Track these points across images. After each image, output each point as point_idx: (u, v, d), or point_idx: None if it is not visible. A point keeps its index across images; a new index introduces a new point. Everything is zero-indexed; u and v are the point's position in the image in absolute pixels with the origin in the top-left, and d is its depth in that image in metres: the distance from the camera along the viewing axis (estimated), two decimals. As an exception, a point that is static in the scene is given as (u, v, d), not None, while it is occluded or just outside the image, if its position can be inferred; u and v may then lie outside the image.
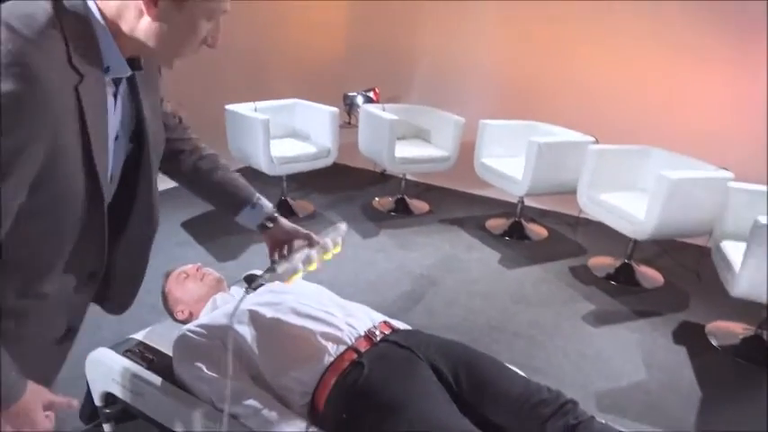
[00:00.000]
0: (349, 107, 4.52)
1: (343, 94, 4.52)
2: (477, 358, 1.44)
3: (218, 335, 1.44)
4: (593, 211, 3.20)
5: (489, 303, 2.81)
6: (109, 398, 1.58)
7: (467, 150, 3.79)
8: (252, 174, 3.12)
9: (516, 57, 4.10)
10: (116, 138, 0.96)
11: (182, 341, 1.45)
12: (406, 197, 4.10)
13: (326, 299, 1.63)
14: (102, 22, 0.83)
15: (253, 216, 1.32)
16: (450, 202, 4.25)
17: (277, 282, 1.35)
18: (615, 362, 2.39)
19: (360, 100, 4.44)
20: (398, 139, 3.77)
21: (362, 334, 1.47)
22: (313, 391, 1.36)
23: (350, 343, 1.43)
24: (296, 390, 1.37)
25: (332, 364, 1.37)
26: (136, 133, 1.00)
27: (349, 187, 4.45)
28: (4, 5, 0.77)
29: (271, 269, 1.27)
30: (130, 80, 0.96)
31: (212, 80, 4.43)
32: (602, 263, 3.28)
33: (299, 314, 1.48)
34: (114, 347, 1.59)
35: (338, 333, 1.45)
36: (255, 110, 3.69)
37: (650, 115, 3.63)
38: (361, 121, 3.96)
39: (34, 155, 0.76)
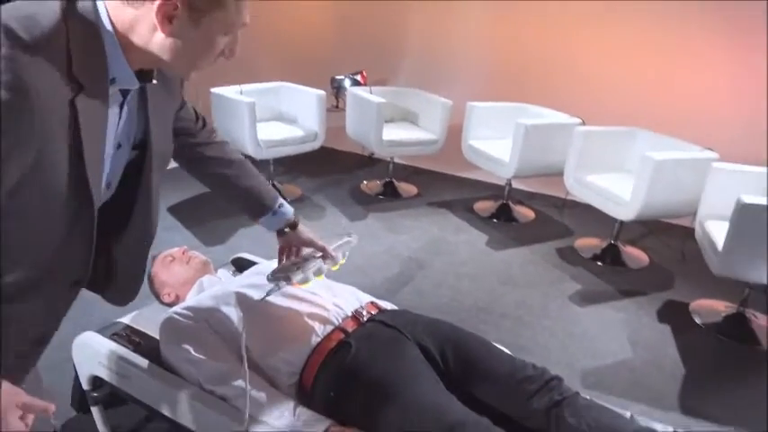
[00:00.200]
0: (336, 90, 4.49)
1: (330, 78, 4.49)
2: (463, 337, 1.45)
3: (205, 317, 1.44)
4: (579, 193, 3.22)
5: (477, 285, 2.83)
6: (96, 381, 1.57)
7: (455, 133, 3.79)
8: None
9: (504, 39, 4.08)
10: (118, 146, 0.94)
11: (168, 323, 1.45)
12: (394, 180, 4.10)
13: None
14: (111, 30, 0.79)
15: (273, 222, 1.39)
16: (439, 185, 4.26)
17: (265, 263, 1.36)
18: (601, 340, 2.42)
19: (347, 83, 4.40)
20: (386, 122, 3.76)
21: (349, 314, 1.48)
22: (301, 371, 1.37)
23: (337, 323, 1.44)
24: (284, 370, 1.38)
25: (319, 344, 1.38)
26: (141, 141, 0.99)
27: (337, 171, 4.44)
28: (11, 4, 0.73)
29: (285, 276, 1.34)
30: (141, 90, 0.94)
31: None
32: (589, 244, 3.31)
33: (285, 295, 1.48)
34: (101, 331, 1.59)
35: (325, 313, 1.45)
36: (241, 93, 3.66)
37: (639, 97, 3.64)
38: (349, 105, 3.94)
39: (15, 164, 0.74)
